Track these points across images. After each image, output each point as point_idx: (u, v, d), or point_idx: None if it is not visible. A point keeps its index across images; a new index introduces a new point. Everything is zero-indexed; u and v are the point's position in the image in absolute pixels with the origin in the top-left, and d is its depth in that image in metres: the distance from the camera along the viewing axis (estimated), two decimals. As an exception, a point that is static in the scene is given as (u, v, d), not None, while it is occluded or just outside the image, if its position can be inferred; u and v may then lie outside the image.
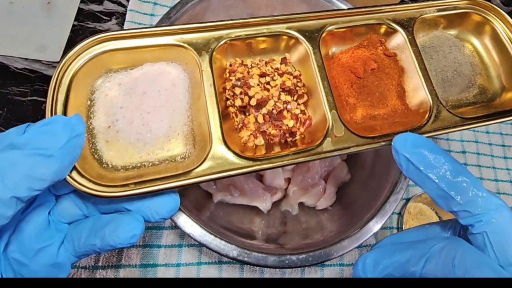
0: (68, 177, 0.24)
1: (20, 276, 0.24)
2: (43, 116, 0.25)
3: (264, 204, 0.47)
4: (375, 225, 0.38)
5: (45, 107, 0.51)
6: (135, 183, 0.25)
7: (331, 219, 0.47)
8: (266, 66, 0.34)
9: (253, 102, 0.31)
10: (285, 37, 0.34)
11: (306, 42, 0.33)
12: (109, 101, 0.29)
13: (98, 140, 0.27)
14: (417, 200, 0.55)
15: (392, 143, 0.28)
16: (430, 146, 0.26)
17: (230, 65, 0.33)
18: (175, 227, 0.47)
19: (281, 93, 0.32)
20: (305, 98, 0.33)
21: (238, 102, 0.31)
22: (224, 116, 0.30)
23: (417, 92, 0.34)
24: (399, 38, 0.35)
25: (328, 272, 0.49)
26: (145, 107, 0.29)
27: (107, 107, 0.28)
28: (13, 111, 0.49)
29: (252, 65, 0.33)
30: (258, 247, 0.38)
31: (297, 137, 0.32)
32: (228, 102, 0.32)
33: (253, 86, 0.31)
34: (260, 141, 0.31)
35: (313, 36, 0.33)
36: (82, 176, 0.24)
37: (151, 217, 0.25)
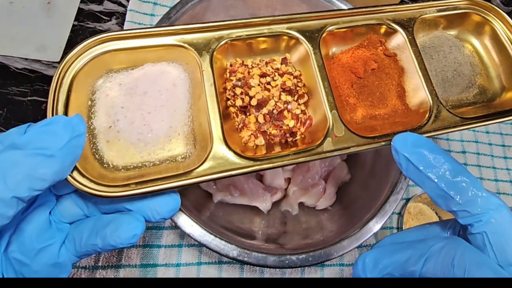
0: (69, 177, 0.24)
1: (21, 276, 0.24)
2: (43, 116, 0.25)
3: (264, 204, 0.47)
4: (375, 225, 0.38)
5: (45, 107, 0.52)
6: (136, 183, 0.25)
7: (331, 219, 0.47)
8: (267, 66, 0.34)
9: (254, 102, 0.31)
10: (285, 37, 0.34)
11: (307, 42, 0.33)
12: (110, 101, 0.29)
13: (99, 140, 0.27)
14: (417, 200, 0.55)
15: (392, 143, 0.28)
16: (430, 146, 0.27)
17: (231, 65, 0.33)
18: (175, 227, 0.47)
19: (282, 93, 0.32)
20: (306, 98, 0.33)
21: (238, 102, 0.31)
22: (224, 116, 0.30)
23: (417, 92, 0.34)
24: (399, 38, 0.36)
25: (328, 272, 0.49)
26: (146, 107, 0.29)
27: (108, 107, 0.28)
28: (13, 111, 0.49)
29: (253, 65, 0.34)
30: (258, 247, 0.38)
31: (298, 137, 0.32)
32: (229, 102, 0.32)
33: (254, 86, 0.31)
34: (261, 141, 0.31)
35: (313, 36, 0.33)
36: (83, 176, 0.24)
37: (151, 217, 0.25)
